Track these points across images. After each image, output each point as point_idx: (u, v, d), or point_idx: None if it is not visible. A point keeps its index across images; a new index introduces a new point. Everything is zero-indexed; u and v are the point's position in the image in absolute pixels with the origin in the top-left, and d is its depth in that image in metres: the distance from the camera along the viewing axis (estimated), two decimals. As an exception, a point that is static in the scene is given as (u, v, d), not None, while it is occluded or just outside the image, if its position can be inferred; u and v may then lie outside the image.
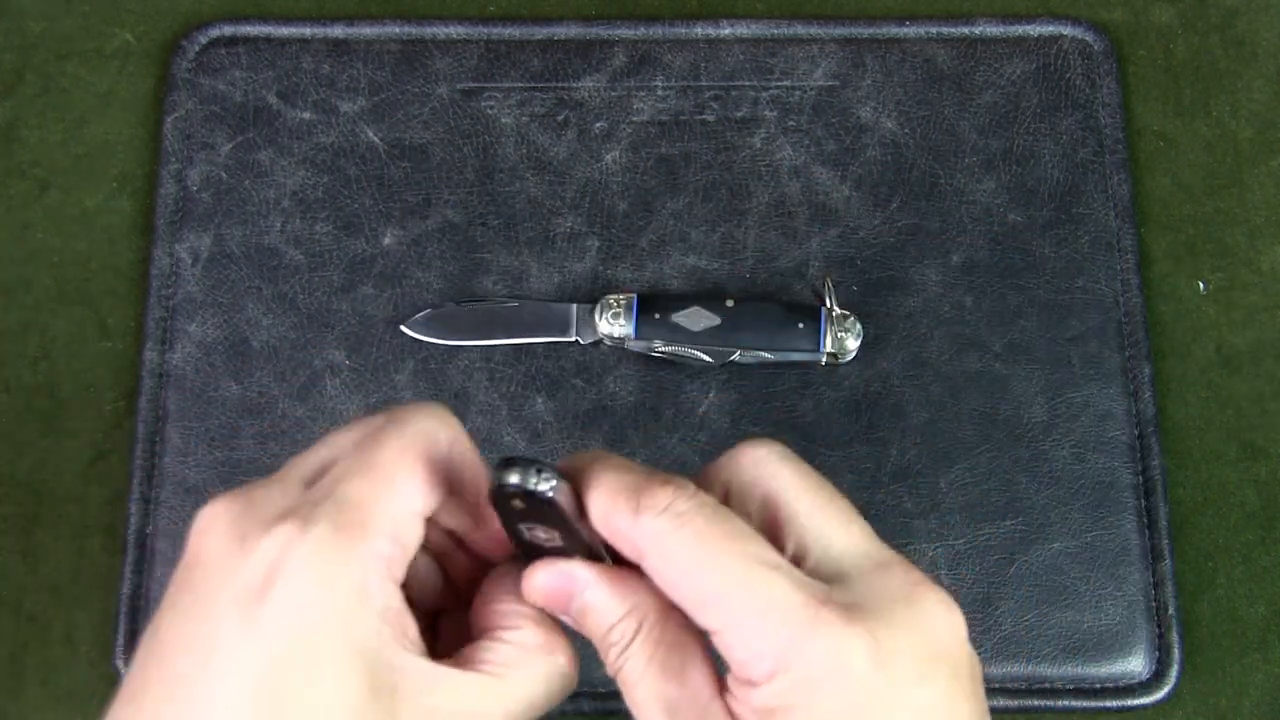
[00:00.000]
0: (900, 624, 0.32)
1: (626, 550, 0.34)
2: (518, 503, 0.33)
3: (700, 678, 0.34)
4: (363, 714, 0.31)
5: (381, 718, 0.32)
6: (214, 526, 0.33)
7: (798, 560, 0.33)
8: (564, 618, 0.37)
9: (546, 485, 0.32)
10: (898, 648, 0.31)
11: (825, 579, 0.33)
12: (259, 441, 0.59)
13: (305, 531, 0.32)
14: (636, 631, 0.35)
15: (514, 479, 0.32)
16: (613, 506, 0.33)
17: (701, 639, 0.34)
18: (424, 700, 0.33)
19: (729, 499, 0.35)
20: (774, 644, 0.31)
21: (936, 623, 0.32)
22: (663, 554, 0.33)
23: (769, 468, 0.35)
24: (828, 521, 0.34)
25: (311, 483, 0.34)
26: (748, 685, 0.32)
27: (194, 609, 0.32)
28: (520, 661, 0.35)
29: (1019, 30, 0.66)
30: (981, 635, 0.57)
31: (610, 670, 0.36)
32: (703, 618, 0.33)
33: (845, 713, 0.31)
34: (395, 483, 0.34)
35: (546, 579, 0.36)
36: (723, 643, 0.32)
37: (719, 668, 0.34)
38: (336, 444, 0.36)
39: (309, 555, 0.31)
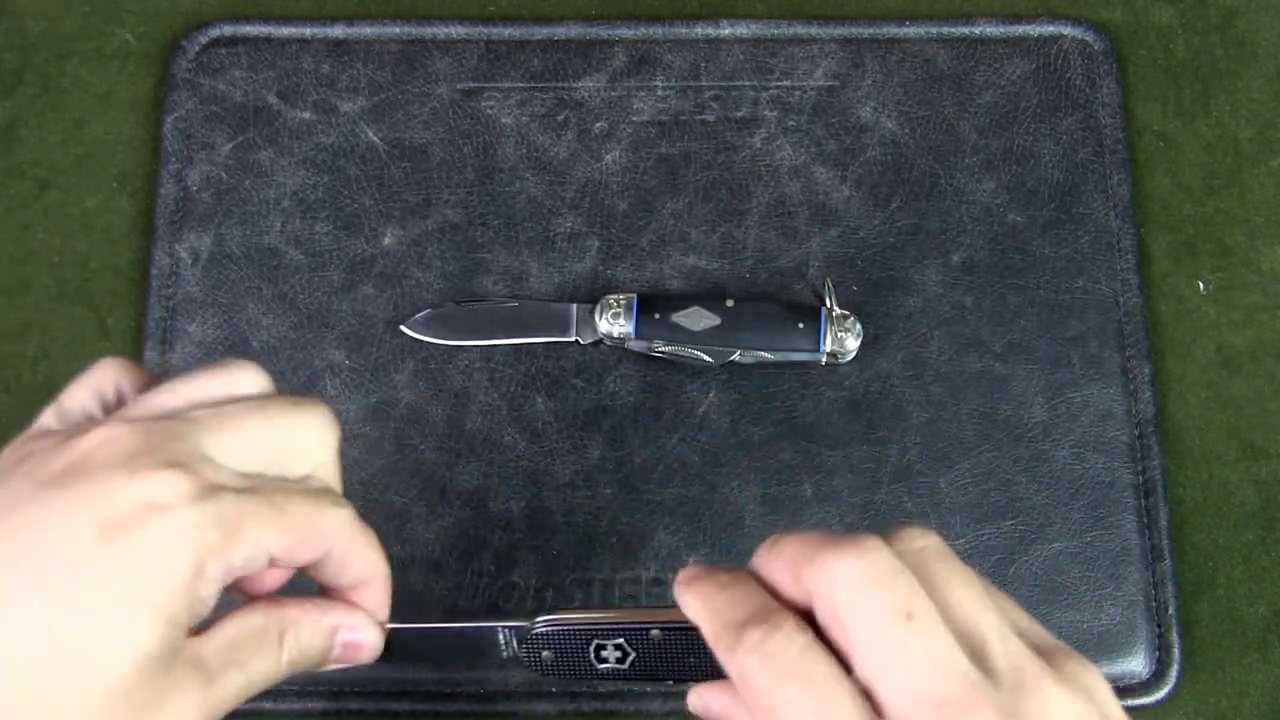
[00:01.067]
0: None
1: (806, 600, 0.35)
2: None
3: None
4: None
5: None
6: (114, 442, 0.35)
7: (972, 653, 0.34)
8: None
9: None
10: None
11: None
12: (259, 441, 0.59)
13: (208, 500, 0.35)
14: None
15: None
16: (716, 640, 0.35)
17: None
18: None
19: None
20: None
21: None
22: (750, 689, 0.34)
23: (931, 562, 0.35)
24: (992, 623, 0.34)
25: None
26: None
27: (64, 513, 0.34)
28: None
29: (1019, 30, 0.66)
30: (981, 635, 0.57)
31: None
32: (867, 677, 0.33)
33: None
34: (291, 535, 0.37)
35: (700, 706, 0.38)
36: (879, 701, 0.33)
37: None
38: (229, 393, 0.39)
39: (191, 524, 0.35)
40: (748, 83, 0.65)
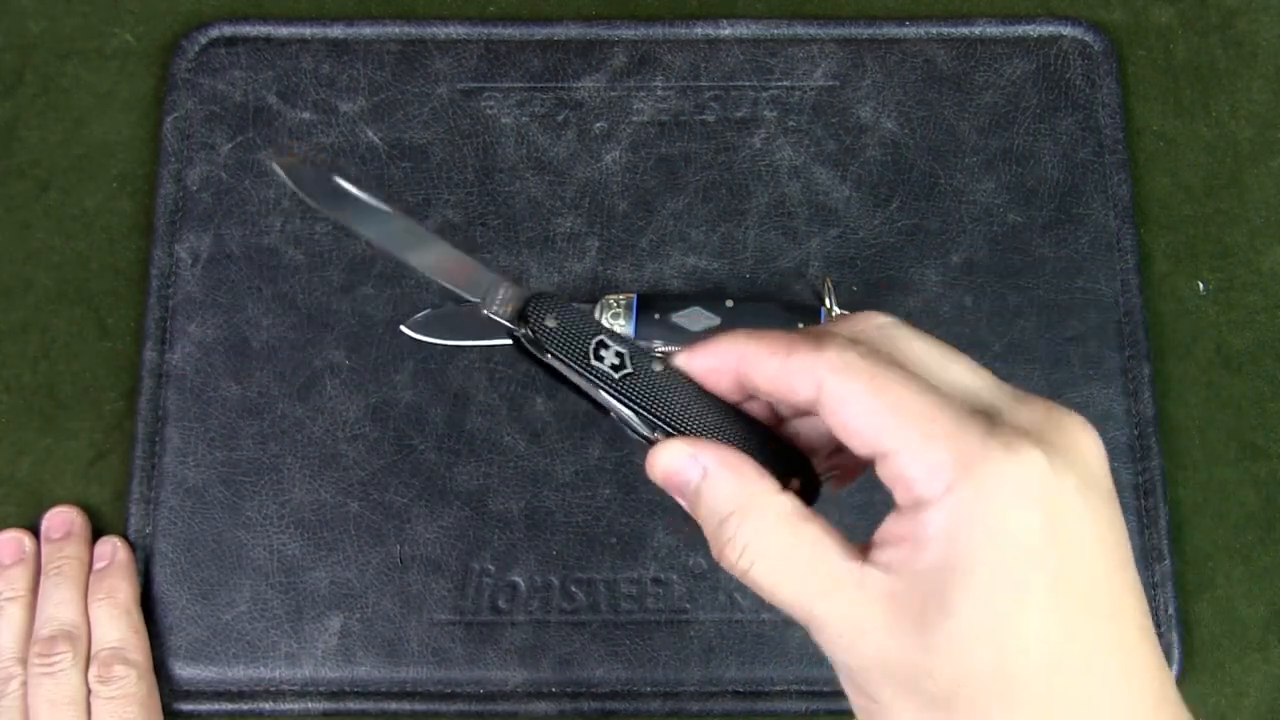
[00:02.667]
0: (1059, 446, 0.32)
1: (800, 389, 0.34)
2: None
3: (833, 551, 0.35)
4: None
5: None
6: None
7: None
8: (680, 500, 0.37)
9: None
10: (1066, 464, 0.32)
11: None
12: (259, 441, 0.59)
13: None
14: (742, 523, 0.35)
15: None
16: (792, 346, 0.34)
17: (820, 518, 0.35)
18: None
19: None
20: (952, 455, 0.32)
21: (1087, 445, 0.33)
22: (843, 384, 0.33)
23: (892, 331, 0.35)
24: (962, 372, 0.34)
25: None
26: (921, 508, 0.33)
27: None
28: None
29: (1019, 30, 0.66)
30: (981, 635, 0.57)
31: (726, 566, 0.36)
32: (880, 440, 0.33)
33: (1032, 524, 0.31)
34: None
35: (670, 459, 0.37)
36: (897, 464, 0.33)
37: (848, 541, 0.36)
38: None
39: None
40: (747, 83, 0.65)
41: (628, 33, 0.65)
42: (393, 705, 0.56)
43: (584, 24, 0.66)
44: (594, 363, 0.38)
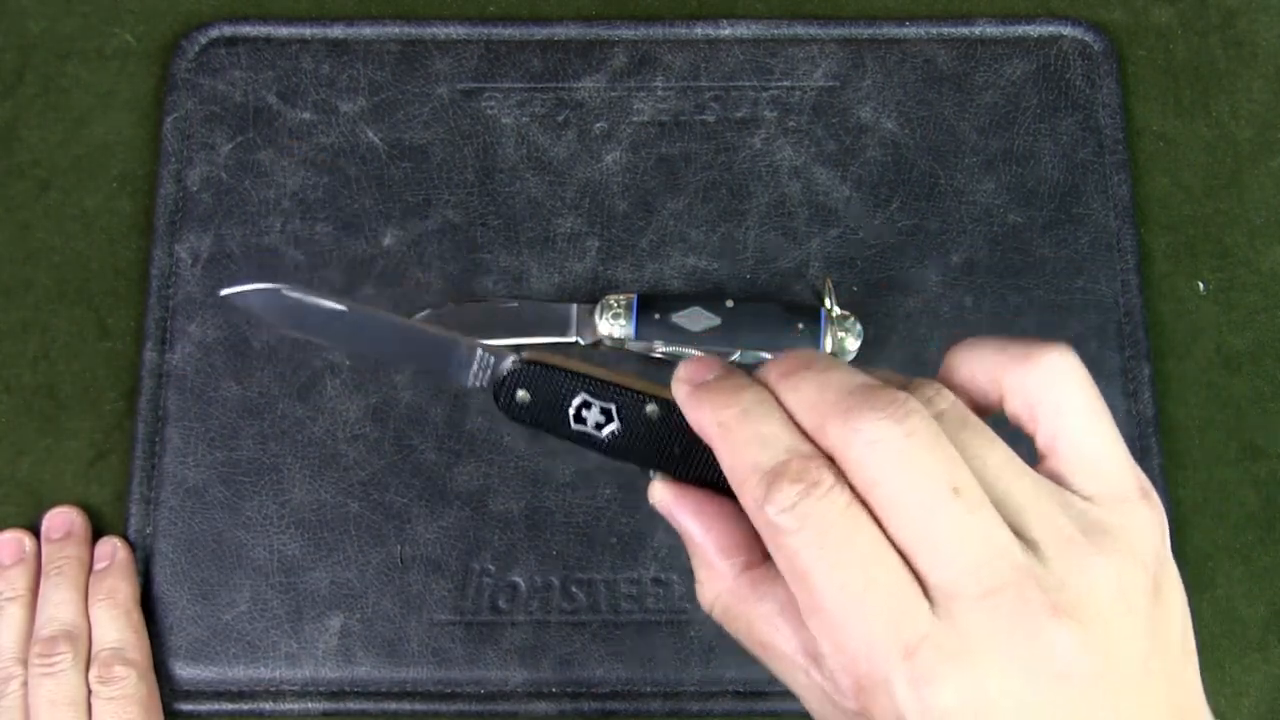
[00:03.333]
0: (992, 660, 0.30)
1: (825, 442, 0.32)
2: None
3: (789, 633, 0.34)
4: None
5: None
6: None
7: (1056, 477, 0.33)
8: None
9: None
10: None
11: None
12: (259, 441, 0.59)
13: None
14: (718, 603, 0.35)
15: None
16: (740, 485, 0.32)
17: (776, 591, 0.34)
18: None
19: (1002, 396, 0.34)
20: (853, 680, 0.31)
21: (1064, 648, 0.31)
22: (780, 549, 0.32)
23: (1063, 389, 0.33)
24: (1098, 458, 0.33)
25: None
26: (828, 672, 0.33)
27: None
28: None
29: (1019, 30, 0.66)
30: (981, 635, 0.57)
31: (707, 611, 0.36)
32: (823, 647, 0.32)
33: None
34: None
35: (657, 501, 0.37)
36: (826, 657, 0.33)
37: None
38: None
39: None
40: (748, 83, 0.65)
41: (628, 33, 0.65)
42: (393, 705, 0.56)
43: (584, 24, 0.66)
44: (575, 427, 0.37)
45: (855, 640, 0.31)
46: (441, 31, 0.65)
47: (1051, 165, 0.63)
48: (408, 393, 0.60)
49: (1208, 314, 0.63)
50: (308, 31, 0.65)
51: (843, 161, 0.63)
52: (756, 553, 0.35)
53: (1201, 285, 0.63)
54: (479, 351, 0.38)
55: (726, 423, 0.33)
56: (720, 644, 0.57)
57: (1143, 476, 0.33)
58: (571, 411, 0.37)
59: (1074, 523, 0.32)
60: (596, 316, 0.59)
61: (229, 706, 0.56)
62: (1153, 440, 0.60)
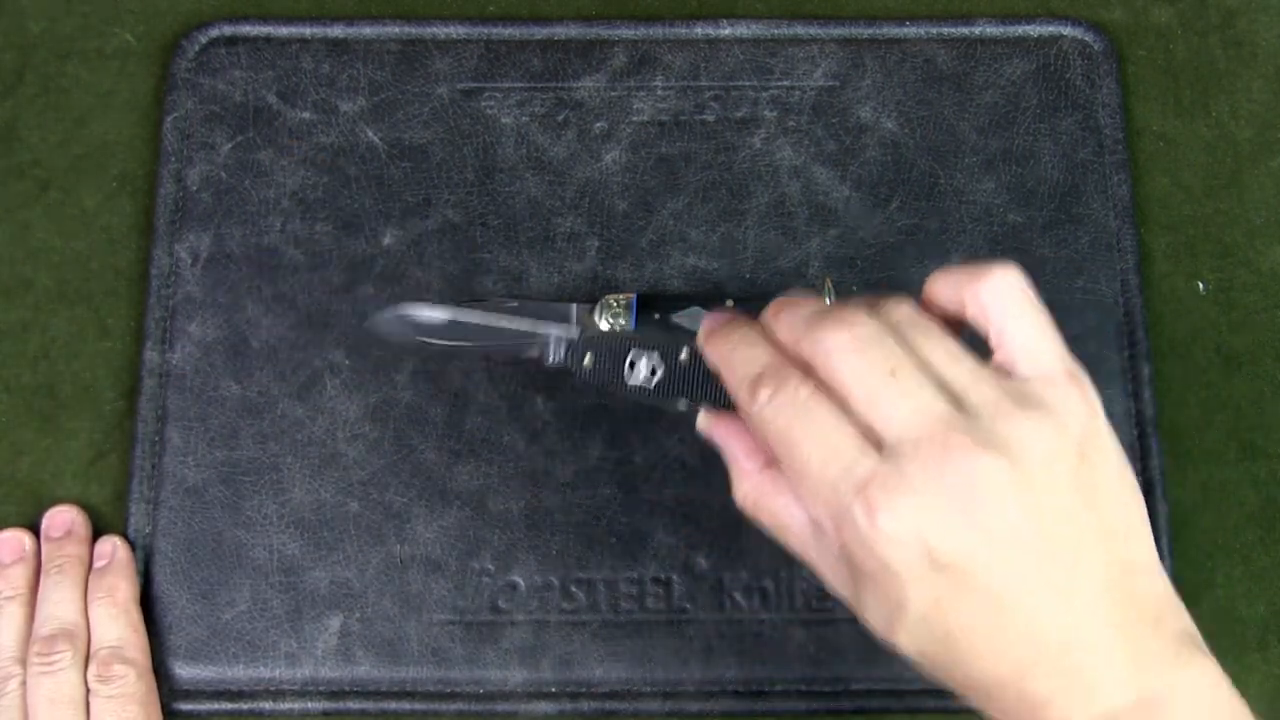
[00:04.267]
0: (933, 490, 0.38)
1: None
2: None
3: (799, 523, 0.43)
4: None
5: None
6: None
7: (1002, 365, 0.41)
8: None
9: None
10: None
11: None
12: (259, 441, 0.59)
13: None
14: (747, 499, 0.44)
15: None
16: (733, 379, 0.43)
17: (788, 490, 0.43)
18: None
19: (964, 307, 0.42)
20: (830, 508, 0.40)
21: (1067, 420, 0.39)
22: (766, 433, 0.42)
23: (1007, 295, 0.41)
24: (1033, 348, 0.41)
25: None
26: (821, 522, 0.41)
27: None
28: None
29: (1019, 30, 0.66)
30: (981, 635, 0.57)
31: (741, 509, 0.45)
32: (801, 491, 0.41)
33: (892, 569, 0.38)
34: None
35: (700, 428, 0.47)
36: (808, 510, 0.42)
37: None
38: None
39: None
40: (747, 83, 0.65)
41: (628, 33, 0.65)
42: (393, 705, 0.56)
43: (584, 24, 0.66)
44: (629, 382, 0.48)
45: (823, 486, 0.39)
46: (441, 31, 0.65)
47: (1051, 165, 0.63)
48: (408, 393, 0.60)
49: (1208, 314, 0.63)
50: (308, 31, 0.65)
51: (842, 161, 0.63)
52: (774, 455, 0.43)
53: (1201, 285, 0.63)
54: (554, 334, 0.52)
55: (725, 354, 0.44)
56: (720, 644, 0.57)
57: (1074, 363, 0.41)
58: (626, 366, 0.48)
59: (1008, 396, 0.39)
60: (596, 316, 0.59)
61: (228, 706, 0.56)
62: (1153, 440, 0.60)
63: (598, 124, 0.64)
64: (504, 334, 0.54)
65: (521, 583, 0.58)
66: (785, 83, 0.65)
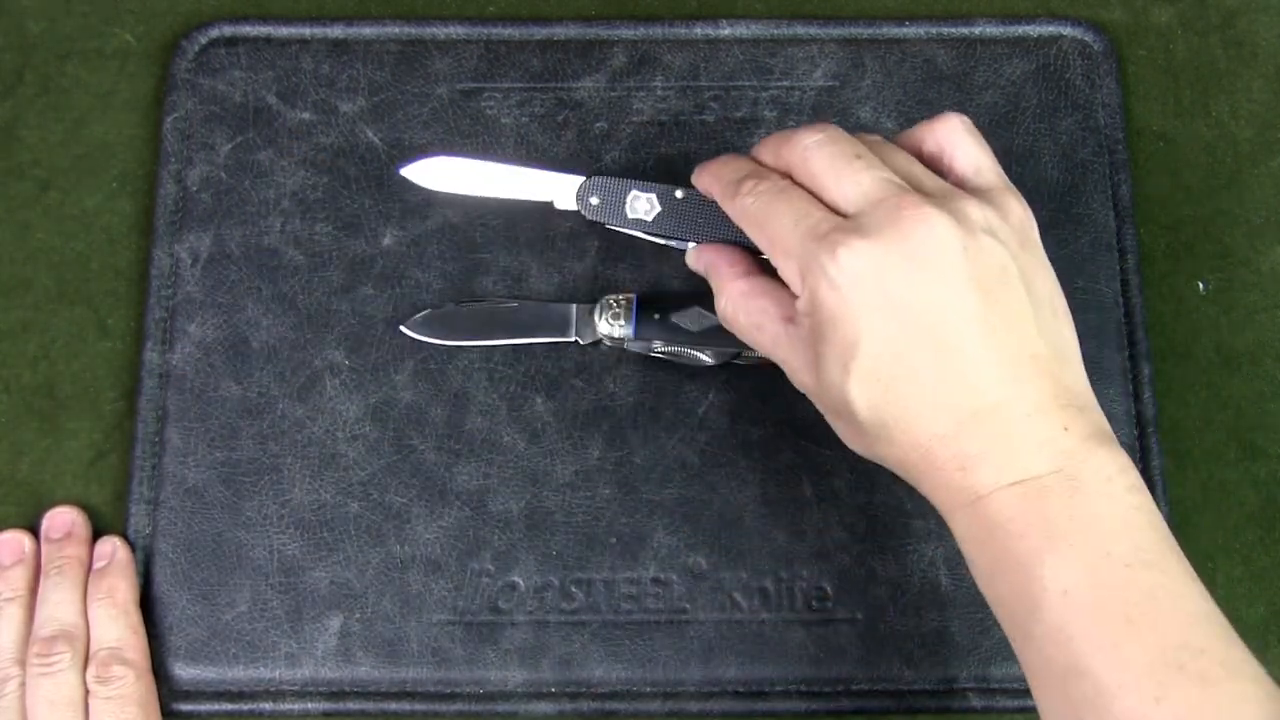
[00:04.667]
0: (885, 234, 0.45)
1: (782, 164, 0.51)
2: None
3: (773, 319, 0.50)
4: None
5: None
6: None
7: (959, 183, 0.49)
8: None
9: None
10: (888, 248, 0.45)
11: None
12: (259, 441, 0.59)
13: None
14: (728, 303, 0.52)
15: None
16: (724, 189, 0.52)
17: (772, 291, 0.50)
18: None
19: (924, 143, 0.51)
20: (799, 265, 0.47)
21: (917, 232, 0.45)
22: (748, 219, 0.50)
23: (957, 132, 0.50)
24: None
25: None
26: (798, 298, 0.47)
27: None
28: None
29: (1019, 30, 0.66)
30: (980, 636, 0.57)
31: (722, 321, 0.53)
32: (771, 256, 0.49)
33: (853, 297, 0.45)
34: None
35: (690, 260, 0.55)
36: (781, 275, 0.49)
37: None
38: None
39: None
40: (747, 83, 0.65)
41: (628, 33, 0.65)
42: (392, 705, 0.56)
43: (584, 24, 0.66)
44: (630, 216, 0.56)
45: (794, 245, 0.46)
46: (441, 31, 0.65)
47: (1051, 165, 0.63)
48: (407, 393, 0.60)
49: (1208, 314, 0.63)
50: (308, 31, 0.65)
51: (842, 161, 0.63)
52: (754, 268, 0.51)
53: (1201, 285, 0.63)
54: (566, 180, 0.58)
55: (714, 170, 0.52)
56: (720, 644, 0.57)
57: (1012, 186, 0.49)
58: (627, 203, 0.56)
59: (958, 188, 0.48)
60: (596, 316, 0.59)
61: (228, 707, 0.56)
62: (1153, 440, 0.60)
63: (598, 124, 0.64)
64: (520, 183, 0.59)
65: (521, 583, 0.58)
66: (785, 83, 0.65)
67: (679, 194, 0.55)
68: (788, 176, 0.49)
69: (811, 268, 0.46)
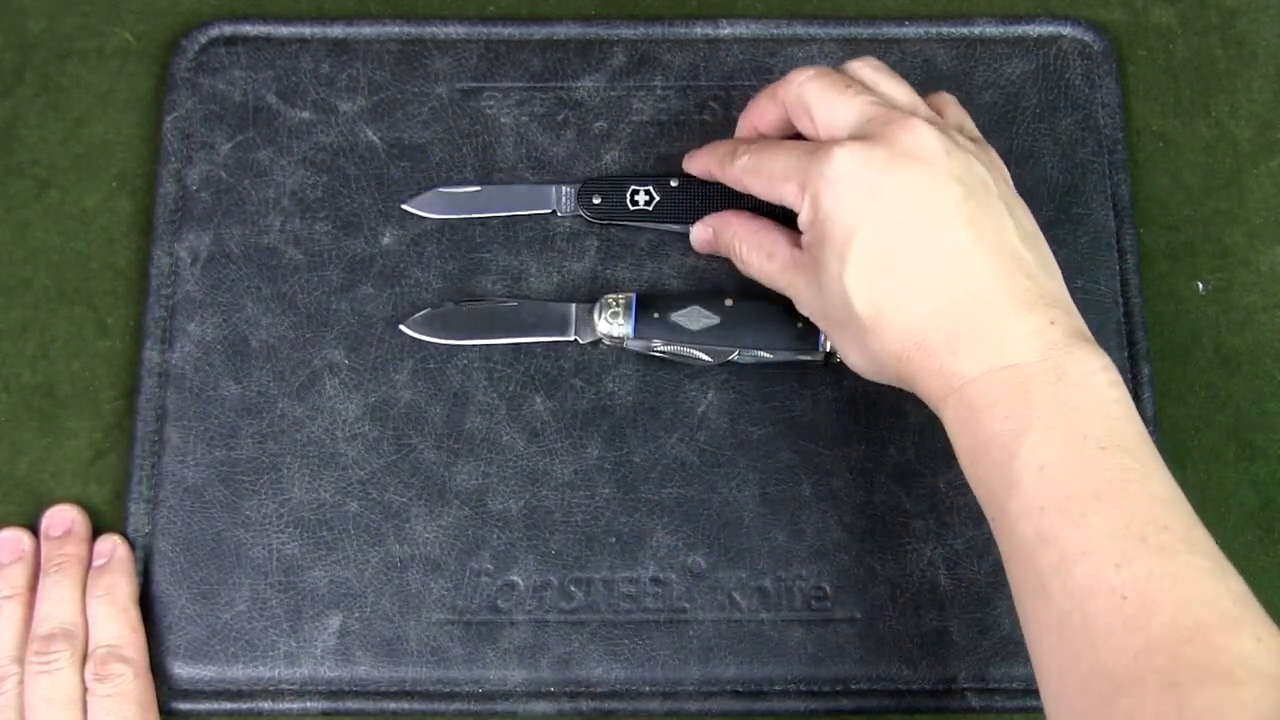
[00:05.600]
0: (879, 140, 0.49)
1: (735, 185, 0.56)
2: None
3: (783, 245, 0.55)
4: None
5: None
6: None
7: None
8: (713, 251, 0.60)
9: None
10: (882, 152, 0.49)
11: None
12: (258, 441, 0.59)
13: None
14: (738, 241, 0.57)
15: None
16: (721, 159, 0.57)
17: (778, 229, 0.55)
18: None
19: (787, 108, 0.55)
20: (798, 179, 0.51)
21: (907, 137, 0.50)
22: (746, 178, 0.55)
23: (800, 90, 0.54)
24: (845, 111, 0.52)
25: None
26: (801, 214, 0.51)
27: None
28: None
29: (1019, 30, 0.66)
30: (980, 636, 0.57)
31: (742, 270, 0.57)
32: (775, 196, 0.53)
33: (851, 197, 0.49)
34: None
35: (697, 232, 0.60)
36: (787, 206, 0.53)
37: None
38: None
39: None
40: (747, 83, 0.65)
41: (627, 32, 0.65)
42: (392, 705, 0.56)
43: (584, 24, 0.66)
44: (631, 208, 0.61)
45: (793, 168, 0.51)
46: (441, 31, 0.65)
47: (1051, 165, 0.63)
48: (407, 392, 0.60)
49: (1207, 314, 0.63)
50: (307, 31, 0.65)
51: (842, 161, 0.63)
52: (759, 216, 0.57)
53: (1201, 285, 0.63)
54: (564, 188, 0.62)
55: (704, 151, 0.59)
56: (719, 644, 0.57)
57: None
58: (628, 197, 0.61)
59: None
60: (595, 315, 0.59)
61: (228, 706, 0.56)
62: (1153, 440, 0.60)
63: (597, 124, 0.64)
64: (519, 198, 0.62)
65: (520, 582, 0.58)
66: (785, 82, 0.65)
67: (674, 183, 0.60)
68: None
69: (809, 175, 0.50)
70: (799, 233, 0.53)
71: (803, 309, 0.54)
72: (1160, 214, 0.64)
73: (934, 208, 0.48)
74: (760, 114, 0.57)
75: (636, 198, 0.60)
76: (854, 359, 0.52)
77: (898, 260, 0.48)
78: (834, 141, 0.50)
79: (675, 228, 0.61)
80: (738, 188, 0.56)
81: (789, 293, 0.54)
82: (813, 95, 0.52)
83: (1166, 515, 0.44)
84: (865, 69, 0.54)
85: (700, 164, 0.59)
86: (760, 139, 0.55)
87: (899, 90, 0.53)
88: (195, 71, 0.65)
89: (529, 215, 0.62)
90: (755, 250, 0.55)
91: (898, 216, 0.48)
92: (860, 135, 0.50)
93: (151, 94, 0.65)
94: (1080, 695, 0.43)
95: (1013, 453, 0.46)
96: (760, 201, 0.55)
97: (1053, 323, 0.48)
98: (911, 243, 0.48)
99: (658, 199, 0.60)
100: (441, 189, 0.62)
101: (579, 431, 0.59)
